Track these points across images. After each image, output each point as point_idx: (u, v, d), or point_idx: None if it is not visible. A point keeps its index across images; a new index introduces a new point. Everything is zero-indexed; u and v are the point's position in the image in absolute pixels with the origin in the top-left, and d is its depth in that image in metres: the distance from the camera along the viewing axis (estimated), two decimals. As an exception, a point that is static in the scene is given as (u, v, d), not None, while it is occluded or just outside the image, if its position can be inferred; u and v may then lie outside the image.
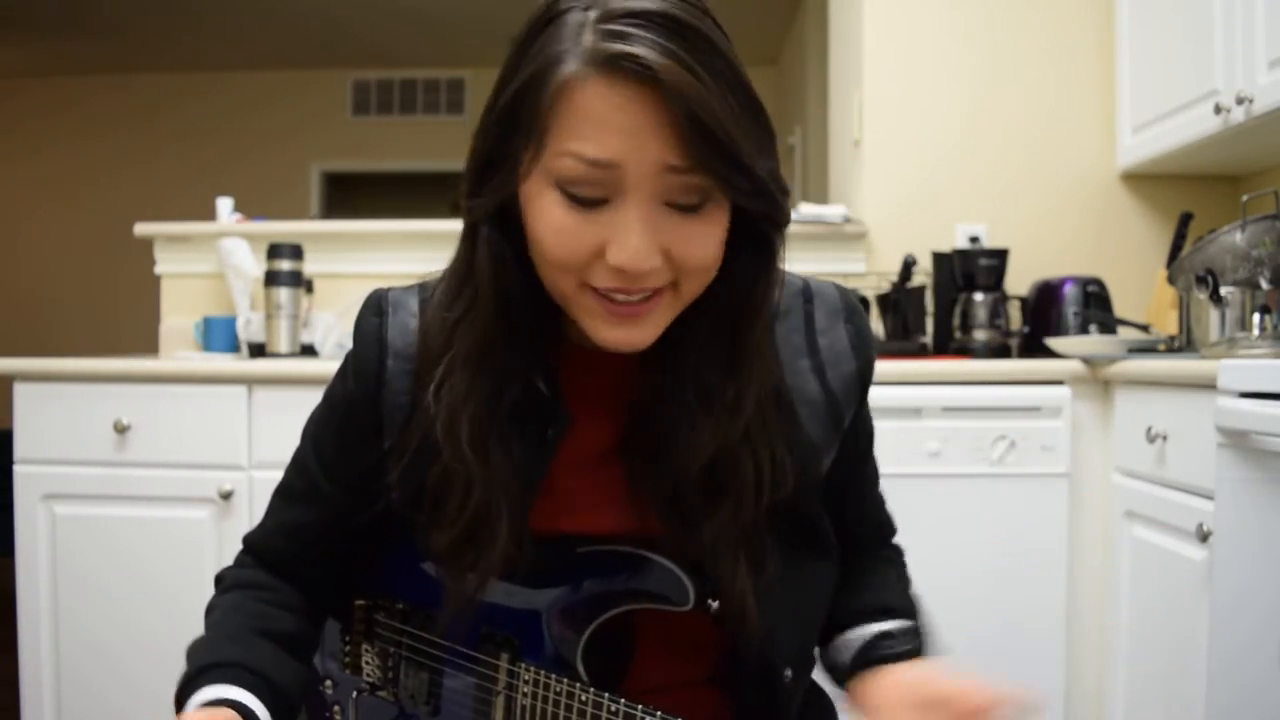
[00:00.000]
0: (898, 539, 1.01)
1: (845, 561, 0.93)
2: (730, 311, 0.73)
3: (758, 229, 0.71)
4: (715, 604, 0.78)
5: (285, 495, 0.91)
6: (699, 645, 0.86)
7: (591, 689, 0.79)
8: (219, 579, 0.91)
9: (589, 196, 0.66)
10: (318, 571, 0.91)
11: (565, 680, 0.80)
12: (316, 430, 0.89)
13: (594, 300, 0.69)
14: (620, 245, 0.66)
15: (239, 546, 0.93)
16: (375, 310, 0.82)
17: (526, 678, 0.82)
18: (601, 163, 0.64)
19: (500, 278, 0.72)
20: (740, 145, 0.64)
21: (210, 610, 0.87)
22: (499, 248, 0.72)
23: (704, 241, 0.68)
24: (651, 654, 0.85)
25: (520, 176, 0.69)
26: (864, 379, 0.86)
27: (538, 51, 0.66)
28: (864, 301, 2.36)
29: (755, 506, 0.77)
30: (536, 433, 0.77)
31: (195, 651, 0.83)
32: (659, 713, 0.76)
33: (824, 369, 0.82)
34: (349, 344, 0.85)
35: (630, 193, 0.65)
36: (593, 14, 0.65)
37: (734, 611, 0.77)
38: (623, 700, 0.78)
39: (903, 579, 0.97)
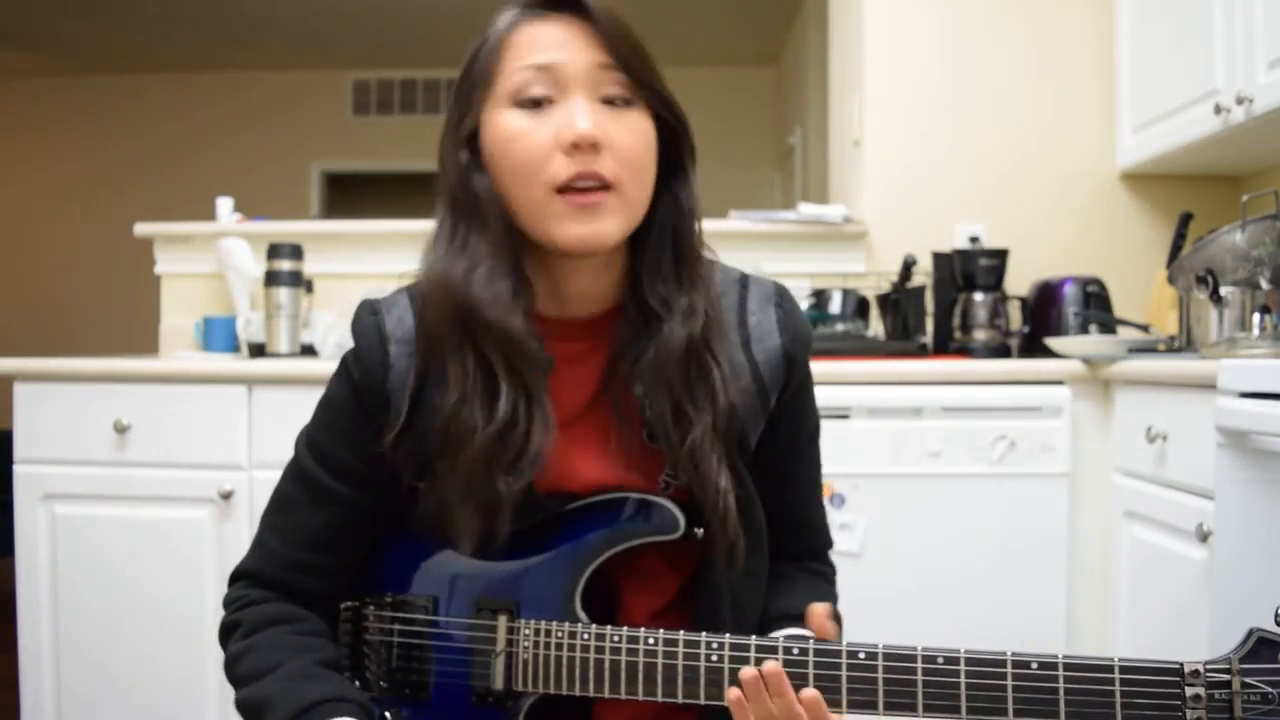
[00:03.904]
0: (834, 557, 1.04)
1: (775, 560, 0.96)
2: (667, 234, 0.87)
3: (672, 158, 0.87)
4: (700, 531, 0.86)
5: (286, 509, 0.92)
6: (665, 576, 0.92)
7: (593, 625, 0.83)
8: (233, 625, 0.89)
9: (538, 95, 0.81)
10: (333, 583, 0.92)
11: (566, 624, 0.84)
12: (316, 437, 0.92)
13: (560, 203, 0.81)
14: (568, 125, 0.80)
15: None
16: (370, 310, 0.91)
17: (527, 632, 0.85)
18: (544, 65, 0.81)
19: (468, 182, 0.84)
20: (646, 58, 0.83)
21: (242, 655, 0.86)
22: (474, 175, 0.84)
23: (634, 135, 0.83)
24: (630, 592, 0.92)
25: (479, 114, 0.84)
26: (790, 357, 0.91)
27: (481, 34, 0.85)
28: (864, 301, 2.36)
29: (725, 402, 0.86)
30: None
31: (271, 696, 0.82)
32: (661, 631, 0.81)
33: (750, 342, 0.90)
34: (349, 344, 0.89)
35: (571, 87, 0.81)
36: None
37: (714, 505, 0.85)
38: (624, 628, 0.82)
39: (827, 595, 1.00)
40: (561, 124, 0.80)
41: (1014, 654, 0.72)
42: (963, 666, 0.73)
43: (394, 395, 0.86)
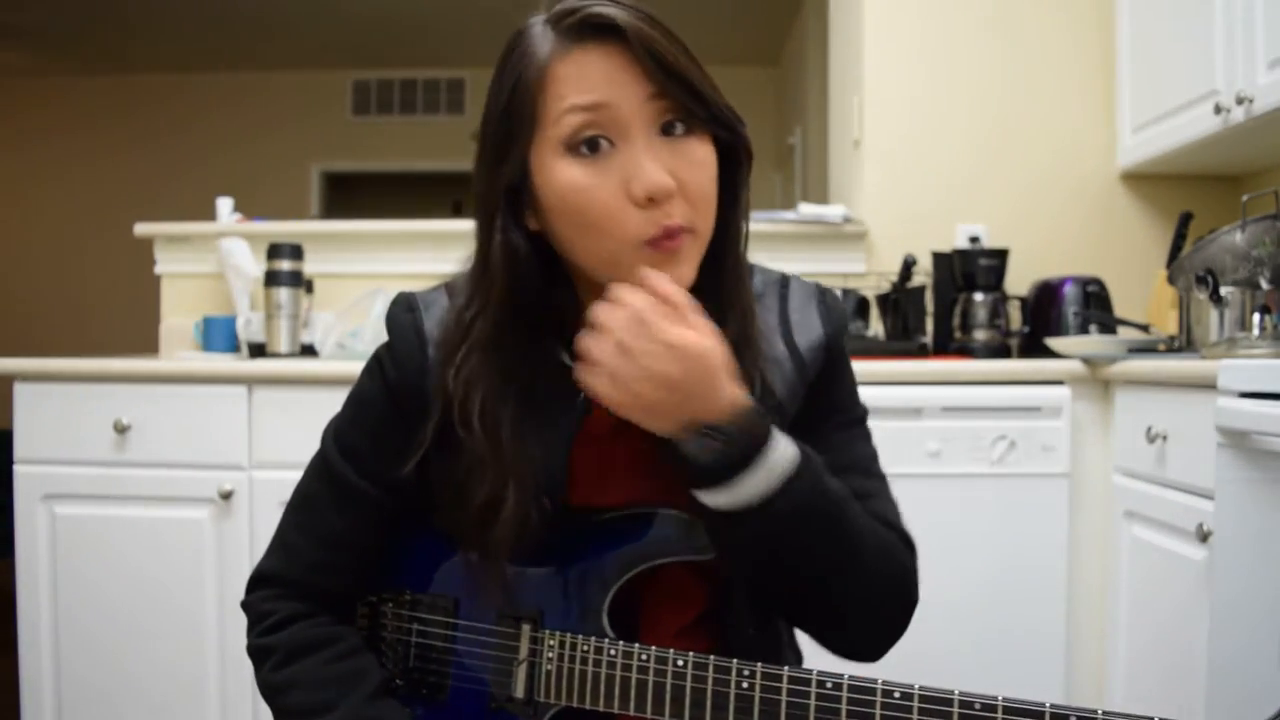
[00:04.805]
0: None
1: None
2: (719, 248, 0.82)
3: (728, 170, 0.81)
4: None
5: (312, 507, 0.90)
6: (689, 595, 0.89)
7: (621, 641, 0.81)
8: (266, 649, 0.86)
9: (592, 135, 0.75)
10: (355, 582, 0.91)
11: (593, 638, 0.82)
12: (345, 435, 0.90)
13: (644, 255, 0.76)
14: (638, 177, 0.74)
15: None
16: (407, 307, 0.87)
17: (551, 643, 0.84)
18: (594, 105, 0.74)
19: (514, 263, 0.79)
20: (692, 76, 0.76)
21: (285, 690, 0.84)
22: (511, 234, 0.79)
23: (698, 169, 0.77)
24: (656, 608, 0.89)
25: (526, 164, 0.77)
26: (831, 346, 0.89)
27: (514, 62, 0.78)
28: (864, 301, 2.36)
29: None
30: (564, 401, 0.82)
31: None
32: (691, 654, 0.79)
33: (792, 334, 0.88)
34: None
35: (629, 129, 0.75)
36: (549, 15, 0.77)
37: None
38: (653, 647, 0.80)
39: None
40: (628, 175, 0.74)
41: (1053, 707, 0.70)
42: (1000, 716, 0.71)
43: (432, 399, 0.83)
